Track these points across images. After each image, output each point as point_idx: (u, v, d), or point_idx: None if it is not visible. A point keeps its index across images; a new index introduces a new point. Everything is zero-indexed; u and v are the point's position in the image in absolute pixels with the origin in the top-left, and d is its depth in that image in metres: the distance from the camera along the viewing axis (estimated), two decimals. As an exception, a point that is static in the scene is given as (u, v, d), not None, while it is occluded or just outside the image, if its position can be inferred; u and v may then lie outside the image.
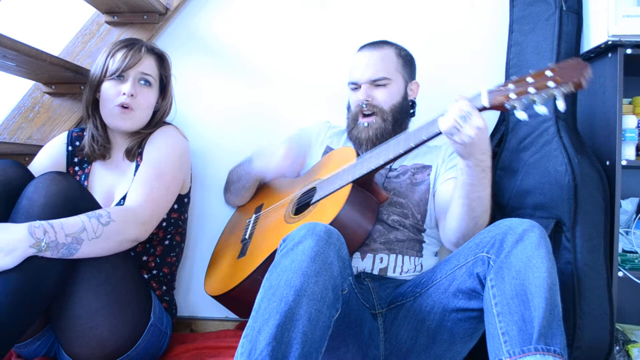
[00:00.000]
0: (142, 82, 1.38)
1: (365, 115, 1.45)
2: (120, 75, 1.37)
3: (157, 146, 1.38)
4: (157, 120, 1.45)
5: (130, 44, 1.39)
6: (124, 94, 1.35)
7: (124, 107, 1.36)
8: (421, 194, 1.42)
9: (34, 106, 1.75)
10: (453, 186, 1.33)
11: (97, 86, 1.39)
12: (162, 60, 1.45)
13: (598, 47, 1.47)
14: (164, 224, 1.41)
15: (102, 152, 1.44)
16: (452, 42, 1.76)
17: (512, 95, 1.06)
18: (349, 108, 1.54)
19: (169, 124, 1.48)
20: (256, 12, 1.81)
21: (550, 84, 1.02)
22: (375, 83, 1.45)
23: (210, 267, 1.56)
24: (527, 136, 1.53)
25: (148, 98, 1.40)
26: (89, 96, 1.41)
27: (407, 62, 1.51)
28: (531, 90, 1.04)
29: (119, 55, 1.37)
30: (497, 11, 1.73)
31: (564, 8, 1.53)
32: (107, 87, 1.37)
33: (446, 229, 1.33)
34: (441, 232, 1.39)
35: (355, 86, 1.48)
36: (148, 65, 1.40)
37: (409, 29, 1.76)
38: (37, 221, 1.07)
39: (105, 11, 1.75)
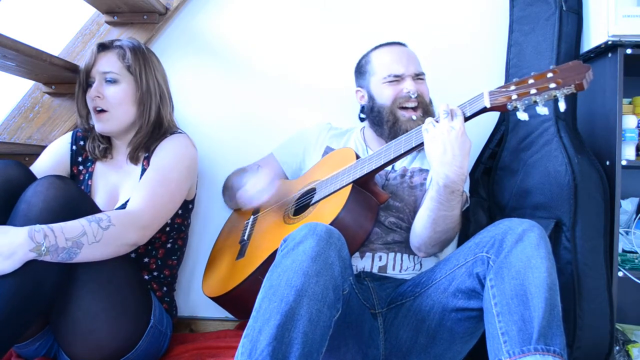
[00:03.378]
0: (107, 80, 1.37)
1: (408, 109, 1.43)
2: (88, 84, 1.38)
3: (165, 153, 1.37)
4: (153, 115, 1.41)
5: (93, 48, 1.39)
6: (92, 98, 1.36)
7: (98, 110, 1.37)
8: (417, 198, 1.42)
9: (34, 106, 1.74)
10: None
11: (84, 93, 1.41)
12: (124, 52, 1.39)
13: (598, 47, 1.47)
14: (167, 228, 1.40)
15: (103, 153, 1.44)
16: (452, 42, 1.76)
17: (514, 96, 1.08)
18: (374, 105, 1.47)
19: (179, 132, 1.45)
20: (257, 12, 1.80)
21: (552, 85, 1.04)
22: (418, 77, 1.46)
23: (208, 269, 1.55)
24: (527, 136, 1.53)
25: (117, 94, 1.37)
26: (78, 103, 1.42)
27: None
28: (533, 91, 1.06)
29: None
30: (497, 11, 1.73)
31: (564, 8, 1.53)
32: (88, 95, 1.39)
33: (412, 231, 1.34)
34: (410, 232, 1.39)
35: (397, 79, 1.44)
36: (106, 63, 1.37)
37: (409, 29, 1.75)
38: (37, 225, 1.06)
39: (105, 11, 1.75)
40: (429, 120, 1.17)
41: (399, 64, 1.45)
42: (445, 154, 1.12)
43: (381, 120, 1.45)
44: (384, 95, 1.45)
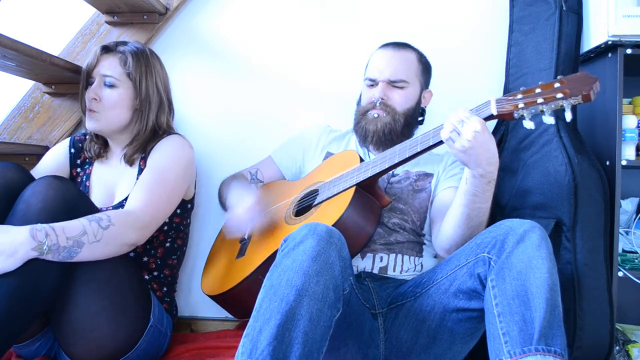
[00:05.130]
0: (105, 83, 1.38)
1: (376, 110, 1.44)
2: (89, 83, 1.39)
3: (162, 153, 1.37)
4: (151, 122, 1.41)
5: (96, 49, 1.40)
6: (89, 98, 1.37)
7: (90, 110, 1.38)
8: (422, 201, 1.42)
9: (34, 106, 1.74)
10: (451, 194, 1.33)
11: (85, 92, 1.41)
12: (126, 58, 1.39)
13: (598, 47, 1.47)
14: (165, 227, 1.41)
15: (98, 151, 1.46)
16: (452, 42, 1.76)
17: (521, 105, 1.08)
18: (359, 103, 1.52)
19: (176, 133, 1.46)
20: (257, 13, 1.80)
21: (559, 95, 1.04)
22: (394, 84, 1.44)
23: (208, 267, 1.55)
24: (527, 136, 1.53)
25: (112, 98, 1.38)
26: (81, 102, 1.43)
27: (426, 70, 1.51)
28: (540, 100, 1.06)
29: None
30: (497, 11, 1.73)
31: (564, 8, 1.53)
32: (86, 94, 1.40)
33: (440, 234, 1.32)
34: (434, 237, 1.39)
35: (372, 83, 1.46)
36: (107, 66, 1.38)
37: (409, 30, 1.75)
38: (39, 224, 1.07)
39: (105, 11, 1.75)
40: (447, 129, 1.12)
41: (375, 68, 1.46)
42: (483, 155, 1.12)
43: (355, 117, 1.51)
44: (363, 96, 1.50)
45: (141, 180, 1.32)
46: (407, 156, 1.23)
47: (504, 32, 1.68)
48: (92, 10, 1.77)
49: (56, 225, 1.08)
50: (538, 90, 1.07)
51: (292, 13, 1.80)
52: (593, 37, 1.50)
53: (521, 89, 1.10)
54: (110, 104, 1.37)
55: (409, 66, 1.46)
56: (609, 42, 1.42)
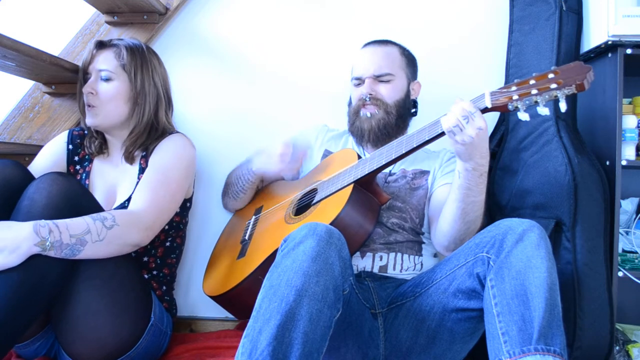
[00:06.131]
0: (101, 78, 1.38)
1: (367, 107, 1.46)
2: (85, 80, 1.39)
3: (165, 153, 1.38)
4: (146, 116, 1.41)
5: (91, 46, 1.41)
6: (86, 93, 1.38)
7: (89, 105, 1.38)
8: (419, 199, 1.43)
9: (34, 106, 1.74)
10: (447, 191, 1.34)
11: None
12: (120, 51, 1.40)
13: (598, 47, 1.47)
14: (166, 227, 1.41)
15: (98, 148, 1.45)
16: (451, 42, 1.76)
17: (515, 97, 1.08)
18: (350, 104, 1.55)
19: (177, 132, 1.46)
20: (257, 13, 1.81)
21: (553, 85, 1.04)
22: (379, 79, 1.47)
23: (209, 268, 1.56)
24: (527, 136, 1.53)
25: (109, 91, 1.38)
26: (79, 100, 1.43)
27: (410, 62, 1.54)
28: (534, 91, 1.06)
29: None
30: (497, 11, 1.73)
31: (564, 8, 1.53)
32: (83, 89, 1.40)
33: (438, 231, 1.33)
34: (433, 235, 1.39)
35: (359, 81, 1.50)
36: (103, 61, 1.39)
37: (409, 30, 1.75)
38: (42, 220, 1.07)
39: (105, 11, 1.75)
40: (451, 121, 1.12)
41: (360, 66, 1.50)
42: (478, 150, 1.13)
43: (349, 119, 1.52)
44: (352, 96, 1.53)
45: (144, 181, 1.32)
46: (404, 152, 1.23)
47: (504, 31, 1.68)
48: (92, 10, 1.77)
49: (60, 222, 1.09)
50: (532, 82, 1.07)
51: (291, 13, 1.80)
52: (593, 37, 1.50)
53: (515, 80, 1.10)
54: (107, 97, 1.38)
55: (392, 59, 1.49)
56: (609, 42, 1.42)
